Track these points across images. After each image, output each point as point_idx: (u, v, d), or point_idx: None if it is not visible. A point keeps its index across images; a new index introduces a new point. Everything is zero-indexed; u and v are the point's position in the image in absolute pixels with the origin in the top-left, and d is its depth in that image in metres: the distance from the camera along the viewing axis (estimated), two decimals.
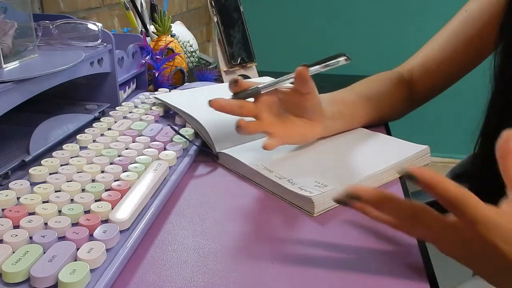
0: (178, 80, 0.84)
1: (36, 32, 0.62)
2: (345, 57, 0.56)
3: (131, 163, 0.51)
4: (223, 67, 0.83)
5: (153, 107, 0.70)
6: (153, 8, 0.90)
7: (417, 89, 0.72)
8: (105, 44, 0.66)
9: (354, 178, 0.52)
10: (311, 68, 0.54)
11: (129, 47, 0.74)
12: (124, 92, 0.74)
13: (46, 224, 0.39)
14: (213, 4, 0.81)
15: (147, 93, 0.76)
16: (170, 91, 0.76)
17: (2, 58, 0.50)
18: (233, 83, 0.55)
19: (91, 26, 0.66)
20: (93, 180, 0.47)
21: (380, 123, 0.70)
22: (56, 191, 0.44)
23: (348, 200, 0.36)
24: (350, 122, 0.64)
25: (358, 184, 0.50)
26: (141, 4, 0.88)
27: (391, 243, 0.42)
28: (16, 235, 0.37)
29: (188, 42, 1.00)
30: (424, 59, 0.72)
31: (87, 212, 0.42)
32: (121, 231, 0.40)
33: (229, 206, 0.49)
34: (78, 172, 0.48)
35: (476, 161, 0.68)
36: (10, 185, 0.44)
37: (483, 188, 0.71)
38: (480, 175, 0.66)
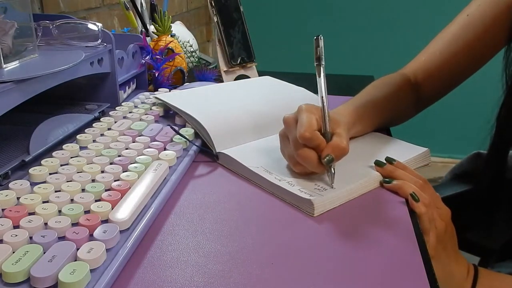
0: (178, 80, 0.84)
1: (36, 32, 0.62)
2: (316, 37, 0.52)
3: (131, 163, 0.51)
4: (223, 67, 0.83)
5: (153, 107, 0.70)
6: (153, 8, 0.89)
7: (421, 93, 0.72)
8: (105, 44, 0.66)
9: (354, 179, 0.52)
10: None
11: (129, 47, 0.74)
12: (124, 92, 0.74)
13: (46, 224, 0.39)
14: (213, 4, 0.81)
15: (147, 93, 0.76)
16: (170, 91, 0.76)
17: (2, 58, 0.50)
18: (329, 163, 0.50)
19: (91, 26, 0.66)
20: (93, 180, 0.47)
21: (387, 127, 0.70)
22: (56, 191, 0.44)
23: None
24: (362, 132, 0.64)
25: (358, 187, 0.51)
26: (141, 4, 0.88)
27: (391, 243, 0.42)
28: (16, 235, 0.37)
29: (188, 42, 1.00)
30: (426, 63, 0.72)
31: (87, 212, 0.42)
32: (121, 231, 0.40)
33: (229, 206, 0.49)
34: (78, 172, 0.48)
35: (479, 160, 0.69)
36: (10, 185, 0.44)
37: (484, 186, 0.72)
38: (486, 172, 0.67)
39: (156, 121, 0.66)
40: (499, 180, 0.69)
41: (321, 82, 0.52)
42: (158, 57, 0.80)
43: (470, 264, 0.56)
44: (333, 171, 0.50)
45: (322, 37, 0.51)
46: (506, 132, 0.66)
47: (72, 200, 0.43)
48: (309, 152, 0.49)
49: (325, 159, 0.49)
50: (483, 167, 0.73)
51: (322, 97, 0.51)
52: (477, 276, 0.55)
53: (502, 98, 0.65)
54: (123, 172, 0.49)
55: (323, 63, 0.52)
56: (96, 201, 0.43)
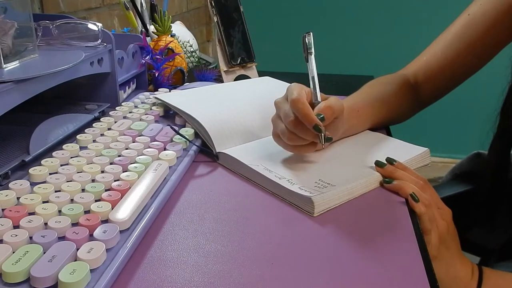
0: (178, 80, 0.84)
1: (36, 32, 0.62)
2: (304, 34, 0.55)
3: (131, 163, 0.51)
4: (223, 67, 0.83)
5: (153, 107, 0.70)
6: (153, 8, 0.90)
7: (422, 92, 0.72)
8: (105, 44, 0.66)
9: (354, 179, 0.52)
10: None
11: (129, 47, 0.74)
12: (124, 92, 0.74)
13: (46, 224, 0.39)
14: (213, 4, 0.81)
15: (147, 93, 0.76)
16: (170, 91, 0.76)
17: (2, 58, 0.50)
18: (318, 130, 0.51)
19: (91, 26, 0.66)
20: (93, 180, 0.47)
21: (386, 126, 0.70)
22: (56, 191, 0.44)
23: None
24: (358, 128, 0.64)
25: (358, 186, 0.51)
26: (141, 4, 0.88)
27: (391, 243, 0.42)
28: (16, 235, 0.37)
29: (188, 42, 1.00)
30: (427, 63, 0.72)
31: (87, 212, 0.42)
32: (121, 231, 0.40)
33: (229, 206, 0.49)
34: (78, 172, 0.48)
35: (479, 160, 0.69)
36: (10, 185, 0.44)
37: (484, 186, 0.72)
38: (486, 172, 0.67)
39: (156, 121, 0.66)
40: (499, 180, 0.69)
41: (312, 63, 0.54)
42: (158, 57, 0.80)
43: (474, 264, 0.56)
44: (323, 133, 0.51)
45: (311, 34, 0.54)
46: (507, 133, 0.66)
47: (72, 200, 0.43)
48: (300, 121, 0.50)
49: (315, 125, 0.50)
50: (484, 167, 0.73)
51: (313, 76, 0.54)
52: (481, 276, 0.55)
53: (504, 98, 0.65)
54: (123, 172, 0.49)
55: (313, 52, 0.54)
56: (96, 201, 0.43)
